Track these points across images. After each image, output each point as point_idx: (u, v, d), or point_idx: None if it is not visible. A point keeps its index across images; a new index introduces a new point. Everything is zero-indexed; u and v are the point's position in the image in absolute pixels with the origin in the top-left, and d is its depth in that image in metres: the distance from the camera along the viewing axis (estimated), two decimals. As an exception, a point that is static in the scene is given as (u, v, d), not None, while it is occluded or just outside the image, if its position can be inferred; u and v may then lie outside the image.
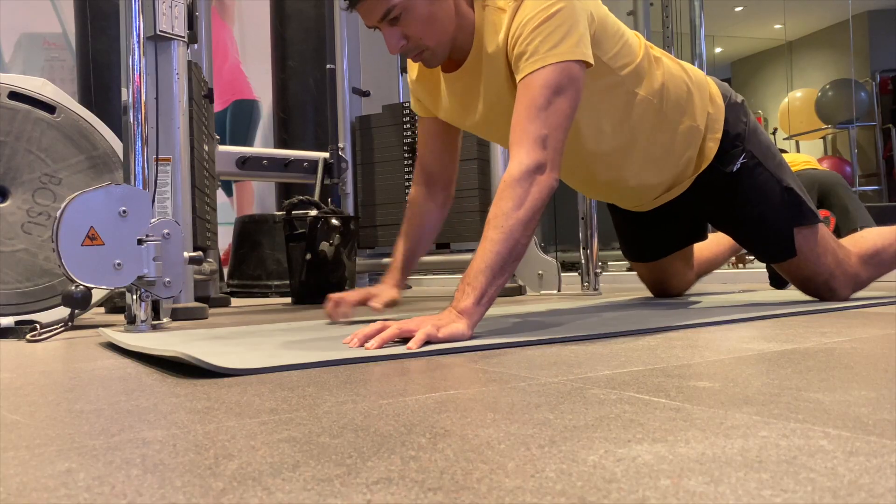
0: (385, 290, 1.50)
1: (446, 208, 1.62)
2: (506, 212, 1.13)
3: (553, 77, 1.20)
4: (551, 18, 1.22)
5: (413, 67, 1.49)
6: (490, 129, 1.47)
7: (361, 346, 1.02)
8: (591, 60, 1.25)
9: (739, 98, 1.68)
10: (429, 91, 1.49)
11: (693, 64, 4.48)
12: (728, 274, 3.19)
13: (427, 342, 1.02)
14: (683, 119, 1.55)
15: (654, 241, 1.91)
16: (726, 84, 1.72)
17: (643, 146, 1.53)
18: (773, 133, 7.34)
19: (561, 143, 1.20)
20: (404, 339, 1.03)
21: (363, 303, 1.47)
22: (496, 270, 1.11)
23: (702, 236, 1.92)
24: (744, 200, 1.62)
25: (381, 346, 1.00)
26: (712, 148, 1.59)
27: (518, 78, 1.24)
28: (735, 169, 1.60)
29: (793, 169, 1.74)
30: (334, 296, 1.49)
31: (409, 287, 3.78)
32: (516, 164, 1.17)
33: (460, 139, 1.60)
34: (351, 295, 1.48)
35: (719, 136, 1.60)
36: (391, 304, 1.50)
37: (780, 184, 1.61)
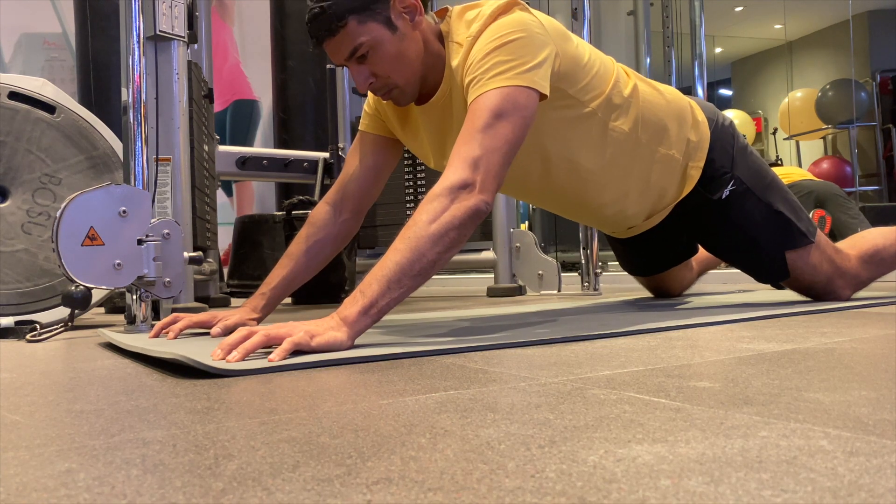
0: (235, 316, 1.31)
1: (347, 240, 1.48)
2: (418, 224, 1.06)
3: (495, 101, 1.16)
4: (503, 47, 1.19)
5: None
6: None
7: (224, 357, 0.91)
8: (544, 90, 1.21)
9: (727, 121, 1.66)
10: (396, 113, 1.44)
11: (693, 64, 4.50)
12: (728, 274, 3.18)
13: (298, 352, 0.94)
14: (659, 148, 1.52)
15: (648, 260, 1.91)
16: (712, 106, 1.69)
17: (617, 176, 1.50)
18: (774, 133, 7.34)
19: (497, 166, 1.13)
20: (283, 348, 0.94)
21: (202, 326, 1.28)
22: (393, 282, 1.02)
23: (694, 251, 1.91)
24: (732, 228, 1.61)
25: (244, 358, 0.91)
26: (694, 176, 1.57)
27: (468, 105, 1.20)
28: (723, 196, 1.57)
29: (787, 181, 1.73)
30: (176, 315, 1.30)
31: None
32: (442, 180, 1.10)
33: (391, 171, 1.52)
34: (195, 316, 1.29)
35: (702, 163, 1.57)
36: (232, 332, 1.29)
37: (770, 208, 1.59)
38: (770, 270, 1.64)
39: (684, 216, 1.64)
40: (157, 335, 1.28)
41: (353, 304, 1.01)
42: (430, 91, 1.34)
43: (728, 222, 1.60)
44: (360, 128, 1.50)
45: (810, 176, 4.25)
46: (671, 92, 1.59)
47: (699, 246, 1.97)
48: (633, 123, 1.46)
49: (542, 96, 1.22)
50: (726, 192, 1.58)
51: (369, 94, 1.48)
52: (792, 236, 1.60)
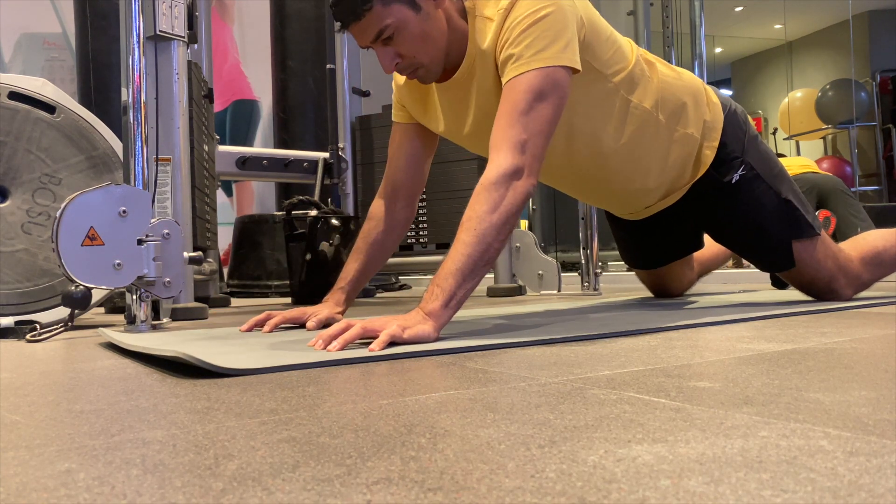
0: (324, 310, 1.40)
1: (407, 226, 1.55)
2: (480, 215, 1.12)
3: (536, 82, 1.19)
4: (538, 23, 1.21)
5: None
6: (481, 139, 1.41)
7: (325, 347, 0.99)
8: (578, 66, 1.24)
9: (739, 109, 1.68)
10: (416, 98, 1.47)
11: (693, 64, 4.49)
12: (728, 274, 3.18)
13: (391, 343, 1.00)
14: (678, 127, 1.54)
15: (653, 250, 1.91)
16: (725, 94, 1.71)
17: (638, 154, 1.52)
18: (774, 133, 7.34)
19: (541, 148, 1.19)
20: (370, 340, 1.01)
21: (295, 321, 1.38)
22: (466, 273, 1.09)
23: (700, 246, 1.91)
24: (741, 212, 1.62)
25: (343, 348, 0.99)
26: (709, 156, 1.59)
27: (503, 82, 1.23)
28: (734, 180, 1.59)
29: (791, 173, 1.74)
30: (269, 312, 1.38)
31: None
32: (494, 168, 1.15)
33: (432, 155, 1.55)
34: (287, 312, 1.39)
35: (716, 144, 1.59)
36: (328, 325, 1.39)
37: (778, 196, 1.60)
38: (775, 258, 1.64)
39: (694, 201, 1.65)
40: (250, 329, 1.35)
41: (433, 299, 1.08)
42: (451, 68, 1.35)
43: (736, 207, 1.61)
44: (392, 118, 1.54)
45: (815, 167, 4.22)
46: (686, 73, 1.62)
47: (698, 246, 1.97)
48: (653, 102, 1.49)
49: (575, 71, 1.25)
50: (736, 177, 1.59)
51: (394, 86, 1.51)
52: (799, 226, 1.61)
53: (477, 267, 1.10)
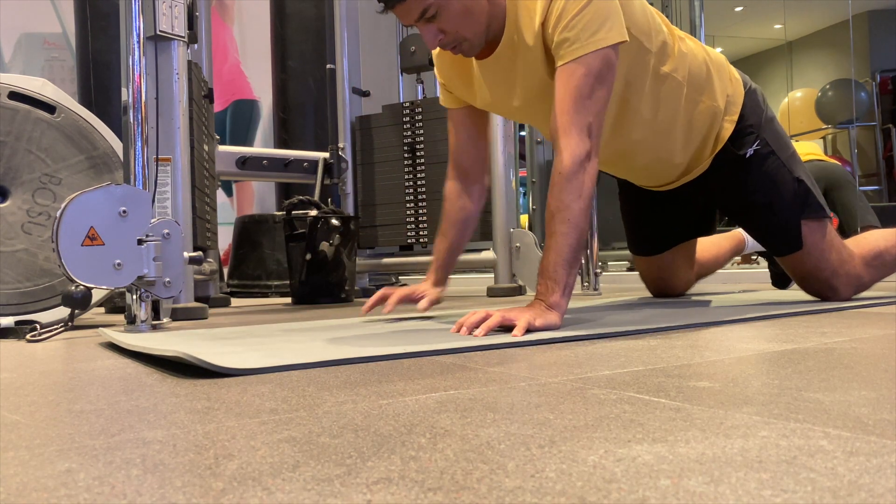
0: (429, 290, 1.53)
1: (482, 200, 1.62)
2: (568, 205, 1.21)
3: (595, 65, 1.25)
4: (591, 3, 1.25)
5: (440, 56, 1.50)
6: (529, 113, 1.50)
7: (469, 334, 1.11)
8: (626, 37, 1.29)
9: (759, 88, 1.71)
10: (458, 75, 1.50)
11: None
12: (728, 274, 3.18)
13: (527, 331, 1.11)
14: (703, 98, 1.57)
15: (662, 229, 1.90)
16: (744, 74, 1.74)
17: (665, 124, 1.55)
18: (774, 133, 7.33)
19: (601, 127, 1.27)
20: (503, 329, 1.13)
21: (409, 300, 1.50)
22: (571, 261, 1.20)
23: (708, 230, 1.92)
24: (754, 187, 1.63)
25: (486, 334, 1.10)
26: (728, 129, 1.61)
27: (559, 63, 1.27)
28: (748, 154, 1.61)
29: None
30: (386, 290, 1.51)
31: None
32: (568, 155, 1.22)
33: (489, 130, 1.60)
34: (401, 291, 1.51)
35: (735, 118, 1.61)
36: (435, 304, 1.54)
37: (791, 174, 1.62)
38: (783, 238, 1.65)
39: (709, 175, 1.66)
40: (370, 309, 1.49)
41: (550, 291, 1.19)
42: (491, 42, 1.38)
43: (750, 181, 1.63)
44: (442, 104, 1.59)
45: (820, 153, 4.19)
46: (711, 49, 1.65)
47: (698, 246, 1.97)
48: (682, 71, 1.52)
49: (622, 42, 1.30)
50: (751, 151, 1.62)
51: (436, 72, 1.56)
52: (810, 206, 1.63)
53: (577, 253, 1.22)
